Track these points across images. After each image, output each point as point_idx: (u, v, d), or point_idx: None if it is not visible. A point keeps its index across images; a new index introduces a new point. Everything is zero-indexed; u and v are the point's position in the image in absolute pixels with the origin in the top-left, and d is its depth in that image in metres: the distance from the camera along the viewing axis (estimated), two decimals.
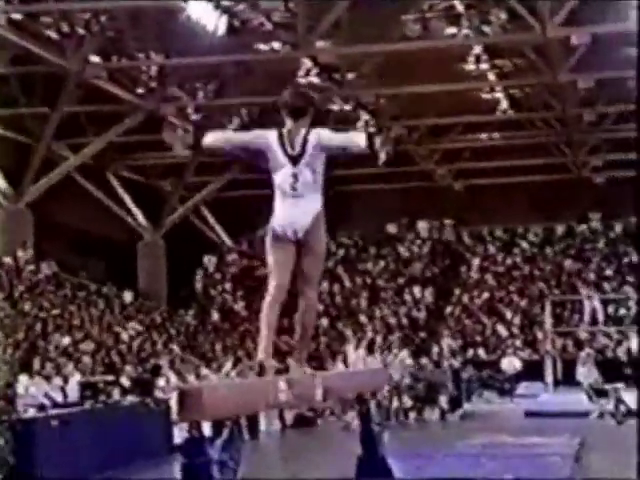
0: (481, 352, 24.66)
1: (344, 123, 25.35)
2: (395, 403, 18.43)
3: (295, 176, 5.19)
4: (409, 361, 20.32)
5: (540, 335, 24.85)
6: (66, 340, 20.75)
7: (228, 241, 32.62)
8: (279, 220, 5.26)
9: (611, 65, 20.45)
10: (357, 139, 5.35)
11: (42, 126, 22.20)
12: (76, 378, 16.45)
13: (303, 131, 5.26)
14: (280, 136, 5.29)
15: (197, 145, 5.41)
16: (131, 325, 23.39)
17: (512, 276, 28.24)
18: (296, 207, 5.21)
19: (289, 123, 5.32)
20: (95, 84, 20.94)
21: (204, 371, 18.04)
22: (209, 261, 31.30)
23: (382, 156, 5.38)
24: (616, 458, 11.93)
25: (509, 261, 29.01)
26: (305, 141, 5.24)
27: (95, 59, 20.66)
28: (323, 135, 5.31)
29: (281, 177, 5.23)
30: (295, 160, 5.21)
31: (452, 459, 12.12)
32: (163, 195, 29.48)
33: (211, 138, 5.43)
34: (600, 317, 24.72)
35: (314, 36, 19.55)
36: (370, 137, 5.34)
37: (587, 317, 24.83)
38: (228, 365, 19.50)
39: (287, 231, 5.23)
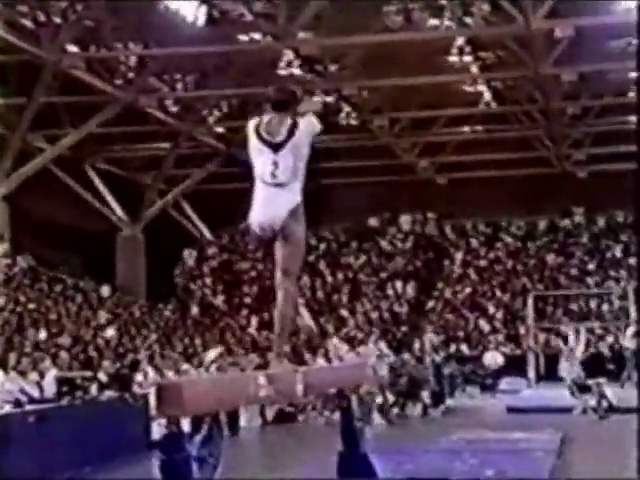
0: (463, 347, 24.75)
1: (326, 115, 25.37)
2: (377, 399, 18.45)
3: (276, 164, 5.18)
4: (388, 355, 20.34)
5: (523, 330, 24.96)
6: (42, 335, 20.65)
7: (208, 235, 32.56)
8: (257, 213, 5.24)
9: (595, 58, 20.55)
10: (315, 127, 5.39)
11: (17, 117, 22.05)
12: (53, 373, 16.35)
13: (289, 120, 5.26)
14: (258, 125, 5.29)
15: None
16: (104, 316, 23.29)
17: (495, 270, 28.36)
18: (275, 196, 5.19)
19: (270, 115, 5.32)
20: (72, 74, 20.82)
21: (183, 366, 17.98)
22: (189, 255, 31.24)
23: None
24: (599, 453, 12.00)
25: (492, 255, 29.12)
26: (293, 129, 5.23)
27: (72, 49, 20.53)
28: (314, 125, 5.35)
29: (261, 165, 5.23)
30: (276, 147, 5.20)
31: (434, 455, 12.16)
32: (142, 188, 29.36)
33: None
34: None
35: (296, 27, 19.52)
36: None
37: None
38: (211, 354, 19.49)
39: (264, 224, 5.22)
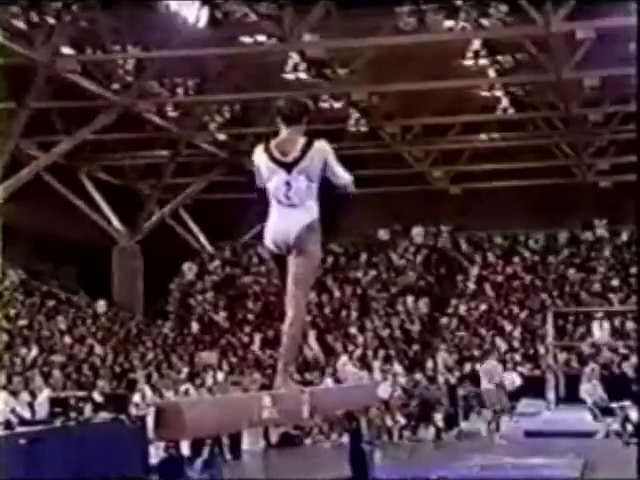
0: (479, 367, 24.67)
1: (334, 122, 25.44)
2: (387, 421, 18.43)
3: (288, 184, 5.34)
4: (402, 376, 20.33)
5: (542, 349, 24.89)
6: (34, 352, 20.69)
7: (209, 247, 32.60)
8: (271, 231, 5.44)
9: (618, 62, 20.55)
10: (350, 184, 5.63)
11: (9, 123, 22.13)
12: (45, 393, 16.40)
13: (301, 139, 5.40)
14: (267, 147, 5.44)
15: None
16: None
17: (512, 286, 28.30)
18: (289, 216, 5.36)
19: (283, 131, 5.47)
20: (67, 78, 20.90)
21: (183, 386, 18.00)
22: (189, 268, 31.26)
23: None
24: None
25: (509, 270, 29.06)
26: (306, 148, 5.37)
27: (67, 51, 20.62)
28: (329, 156, 5.48)
29: (274, 185, 5.40)
30: (289, 167, 5.35)
31: None
32: (140, 198, 29.43)
33: None
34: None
35: (302, 29, 19.58)
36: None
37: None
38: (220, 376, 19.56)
39: (277, 240, 5.40)
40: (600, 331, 24.78)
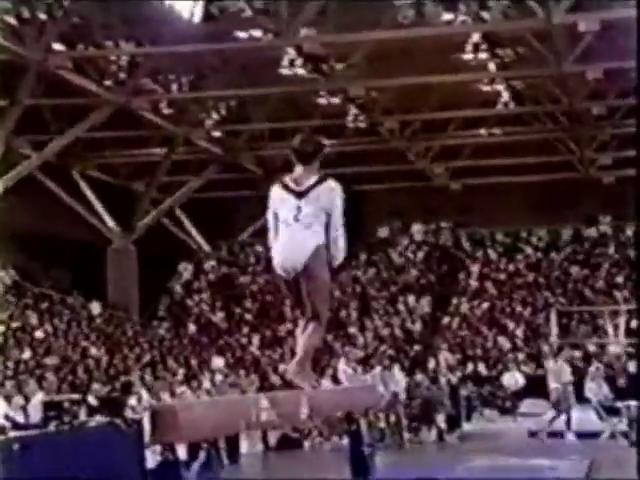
0: (481, 367, 24.68)
1: (331, 117, 25.44)
2: (389, 422, 18.42)
3: (299, 208, 5.62)
4: (402, 376, 20.32)
5: (545, 348, 24.89)
6: (27, 355, 20.65)
7: (205, 246, 32.59)
8: (279, 255, 5.67)
9: (621, 54, 20.51)
10: (339, 257, 5.78)
11: (0, 121, 22.11)
12: (39, 397, 16.37)
13: (314, 177, 5.68)
14: (282, 182, 5.73)
15: None
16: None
17: (515, 284, 28.31)
18: (297, 238, 5.61)
19: (299, 168, 5.73)
20: (59, 75, 20.87)
21: (179, 389, 17.98)
22: (185, 268, 31.25)
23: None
24: None
25: (511, 267, 29.08)
26: (319, 182, 5.67)
27: (59, 47, 20.59)
28: (336, 199, 5.71)
29: (285, 210, 5.67)
30: (300, 195, 5.65)
31: None
32: (134, 196, 29.41)
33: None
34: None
35: (298, 23, 19.56)
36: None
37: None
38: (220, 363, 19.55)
39: (286, 265, 5.63)
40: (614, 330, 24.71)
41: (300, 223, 5.61)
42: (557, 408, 18.45)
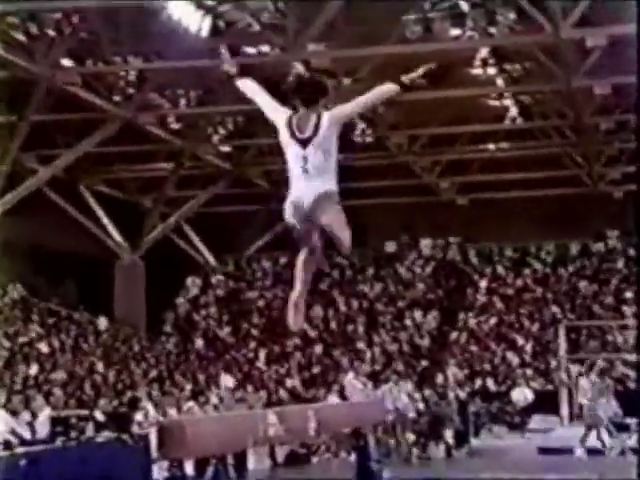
0: (490, 382, 24.62)
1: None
2: (397, 438, 18.38)
3: (305, 159, 5.59)
4: (412, 392, 20.27)
5: (554, 363, 24.82)
6: (34, 370, 20.67)
7: (213, 261, 32.60)
8: (289, 204, 5.62)
9: (629, 69, 20.53)
10: (386, 89, 6.13)
11: (9, 136, 22.20)
12: (46, 412, 16.36)
13: (314, 115, 5.68)
14: (289, 119, 5.69)
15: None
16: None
17: (523, 299, 28.25)
18: (307, 187, 5.58)
19: (301, 110, 5.71)
20: (67, 90, 20.95)
21: (187, 404, 17.96)
22: (192, 283, 31.27)
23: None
24: None
25: (519, 282, 29.03)
26: (317, 125, 5.66)
27: (67, 63, 20.68)
28: (336, 114, 5.79)
29: (292, 159, 5.65)
30: (304, 143, 5.62)
31: None
32: (142, 211, 29.47)
33: (243, 84, 6.17)
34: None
35: (306, 38, 19.62)
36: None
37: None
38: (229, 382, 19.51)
39: (298, 211, 5.57)
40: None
41: (309, 175, 5.60)
42: (588, 424, 18.38)
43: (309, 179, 5.59)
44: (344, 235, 5.75)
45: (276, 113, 5.81)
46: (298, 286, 5.73)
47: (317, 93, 5.82)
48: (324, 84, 5.93)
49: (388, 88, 6.11)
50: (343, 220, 5.74)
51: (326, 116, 5.72)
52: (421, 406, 19.41)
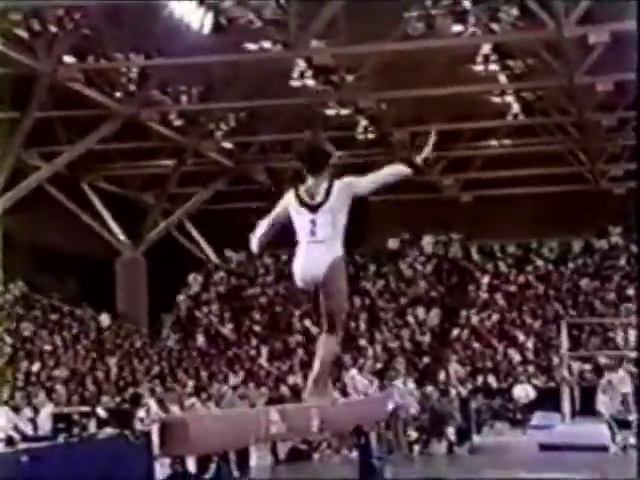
0: (491, 379, 24.61)
1: (341, 129, 25.46)
2: (398, 435, 18.39)
3: (314, 222, 5.78)
4: (413, 389, 20.29)
5: (556, 360, 24.82)
6: (37, 367, 20.70)
7: (215, 258, 32.61)
8: (297, 267, 5.84)
9: (632, 66, 20.52)
10: (398, 171, 6.24)
11: (10, 133, 22.21)
12: (48, 409, 16.40)
13: (324, 184, 5.83)
14: (296, 191, 5.89)
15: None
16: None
17: (525, 296, 28.23)
18: (315, 252, 5.77)
19: (309, 179, 5.89)
20: (69, 87, 20.96)
21: (189, 401, 17.98)
22: (194, 280, 31.27)
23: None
24: None
25: (521, 279, 29.00)
26: (329, 192, 5.81)
27: (69, 60, 20.69)
28: (359, 184, 5.95)
29: (300, 223, 5.83)
30: (314, 209, 5.80)
31: None
32: (144, 208, 29.48)
33: (259, 232, 6.13)
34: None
35: (308, 35, 19.62)
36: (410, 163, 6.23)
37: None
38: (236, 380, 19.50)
39: (306, 278, 5.80)
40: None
41: (316, 237, 5.76)
42: (615, 419, 18.41)
43: (317, 244, 5.76)
44: (338, 319, 5.86)
45: (286, 203, 5.95)
46: (314, 370, 5.83)
47: (323, 159, 5.93)
48: (329, 151, 6.01)
49: (400, 170, 6.23)
50: (342, 304, 5.89)
51: (338, 185, 5.84)
52: (423, 403, 19.41)
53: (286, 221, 5.96)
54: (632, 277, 28.05)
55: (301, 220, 5.80)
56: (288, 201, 5.90)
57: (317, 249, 5.75)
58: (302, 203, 5.81)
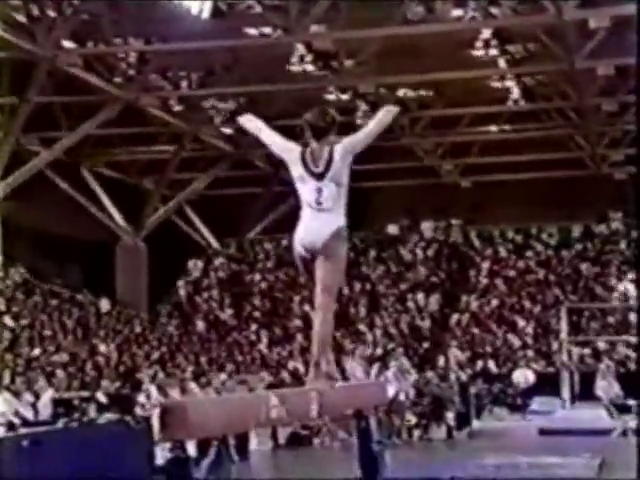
0: (491, 364, 24.66)
1: (341, 115, 25.41)
2: (398, 420, 18.43)
3: (319, 190, 5.82)
4: (413, 374, 20.32)
5: (555, 345, 24.86)
6: (37, 352, 20.74)
7: (215, 243, 32.62)
8: (300, 234, 5.88)
9: (633, 50, 20.46)
10: (387, 111, 6.05)
11: (10, 118, 22.18)
12: (48, 394, 16.43)
13: (327, 149, 5.86)
14: (303, 155, 5.88)
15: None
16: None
17: (525, 281, 28.26)
18: (319, 220, 5.83)
19: (313, 143, 5.89)
20: (69, 72, 20.91)
21: (189, 386, 18.01)
22: (194, 265, 31.29)
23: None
24: None
25: (521, 264, 29.02)
26: (331, 157, 5.85)
27: (68, 45, 20.64)
28: (347, 145, 5.92)
29: (306, 191, 5.87)
30: (319, 176, 5.84)
31: None
32: (144, 194, 29.46)
33: (246, 120, 6.18)
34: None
35: (308, 19, 19.56)
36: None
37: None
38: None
39: (307, 245, 5.83)
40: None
41: (322, 206, 5.82)
42: (614, 404, 18.44)
43: (322, 212, 5.82)
44: (334, 289, 5.88)
45: (286, 151, 5.95)
46: (313, 353, 5.81)
47: (328, 123, 5.96)
48: (333, 116, 6.04)
49: (388, 111, 6.08)
50: (340, 274, 5.95)
51: (338, 149, 5.87)
52: (422, 388, 19.44)
53: (275, 150, 5.98)
54: (632, 263, 28.07)
55: (306, 187, 5.85)
56: (291, 154, 5.89)
57: (321, 217, 5.82)
58: (307, 169, 5.84)
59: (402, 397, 18.67)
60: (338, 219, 5.88)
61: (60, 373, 19.10)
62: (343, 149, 5.88)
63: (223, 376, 20.03)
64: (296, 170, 5.87)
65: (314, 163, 5.85)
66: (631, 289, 25.70)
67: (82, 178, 28.36)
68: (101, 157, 28.86)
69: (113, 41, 20.91)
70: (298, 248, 5.88)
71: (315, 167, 5.84)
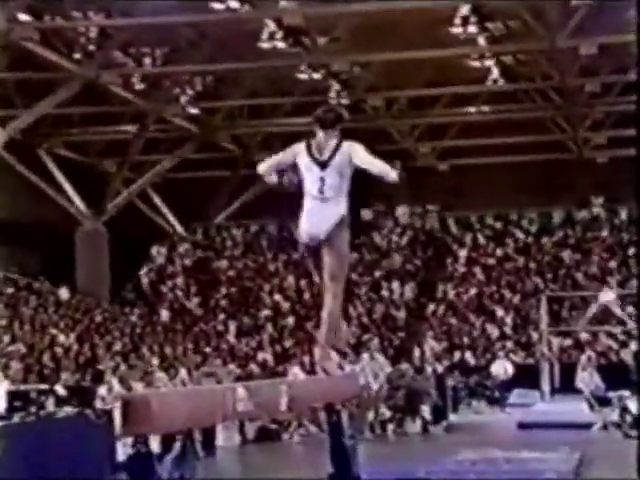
0: (468, 356, 24.81)
1: (313, 94, 25.40)
2: (371, 414, 18.49)
3: (322, 180, 6.35)
4: (387, 366, 20.39)
5: (535, 336, 25.03)
6: None
7: (180, 229, 32.52)
8: (305, 224, 6.44)
9: (616, 29, 20.58)
10: (391, 173, 6.56)
11: None
12: (3, 387, 16.34)
13: (334, 140, 6.42)
14: (309, 145, 6.42)
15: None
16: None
17: (504, 269, 28.42)
18: (322, 210, 6.38)
19: (319, 133, 6.43)
20: (25, 47, 20.74)
21: (153, 378, 17.97)
22: (158, 252, 31.19)
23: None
24: (621, 475, 12.05)
25: (500, 252, 29.18)
26: (336, 149, 6.38)
27: (24, 18, 20.45)
28: (358, 153, 6.44)
29: (310, 181, 6.39)
30: (323, 165, 6.36)
31: (436, 477, 12.19)
32: (105, 176, 29.31)
33: (263, 167, 6.61)
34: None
35: None
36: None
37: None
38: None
39: (313, 234, 6.41)
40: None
41: (325, 195, 6.34)
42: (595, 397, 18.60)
43: (324, 202, 6.32)
44: (339, 275, 6.56)
45: (296, 152, 6.45)
46: (322, 331, 6.59)
47: (336, 117, 6.58)
48: (343, 113, 6.72)
49: (388, 173, 6.57)
50: (344, 260, 6.62)
51: (346, 145, 6.43)
52: (397, 380, 19.50)
53: (286, 168, 6.51)
54: (615, 250, 28.27)
55: (311, 177, 6.35)
56: (298, 151, 6.40)
57: (325, 206, 6.35)
58: (312, 157, 6.34)
59: (374, 389, 18.72)
60: (339, 208, 6.41)
61: (16, 364, 18.98)
62: (351, 149, 6.39)
63: (189, 368, 19.99)
64: (302, 160, 6.38)
65: (319, 152, 6.35)
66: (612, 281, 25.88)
67: (39, 160, 28.15)
68: (59, 138, 28.65)
69: (72, 15, 20.75)
70: (304, 237, 6.44)
71: (320, 155, 6.34)
